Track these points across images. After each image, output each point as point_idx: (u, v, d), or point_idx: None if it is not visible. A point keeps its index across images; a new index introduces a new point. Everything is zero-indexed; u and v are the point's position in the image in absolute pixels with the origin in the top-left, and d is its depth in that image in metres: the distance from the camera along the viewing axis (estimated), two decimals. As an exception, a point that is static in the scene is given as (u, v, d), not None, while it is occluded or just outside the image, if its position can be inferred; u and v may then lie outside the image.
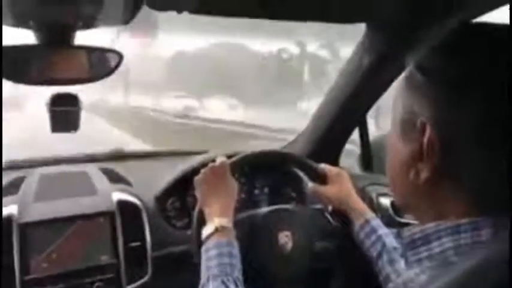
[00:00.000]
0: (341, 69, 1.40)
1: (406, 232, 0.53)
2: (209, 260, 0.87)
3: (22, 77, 0.88)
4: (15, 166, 1.41)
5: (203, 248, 0.90)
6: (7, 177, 1.26)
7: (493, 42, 0.47)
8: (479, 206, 0.47)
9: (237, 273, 0.85)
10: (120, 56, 1.00)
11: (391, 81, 1.32)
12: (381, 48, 1.21)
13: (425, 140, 0.48)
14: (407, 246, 0.52)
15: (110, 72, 1.02)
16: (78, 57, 0.96)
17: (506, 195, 0.44)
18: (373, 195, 1.42)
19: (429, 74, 0.49)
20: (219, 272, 0.84)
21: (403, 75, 0.55)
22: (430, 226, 0.49)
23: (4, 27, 0.84)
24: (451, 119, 0.46)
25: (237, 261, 0.87)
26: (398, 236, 0.55)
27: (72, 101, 1.14)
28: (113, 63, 1.01)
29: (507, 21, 0.55)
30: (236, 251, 0.89)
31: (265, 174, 1.42)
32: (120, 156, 1.69)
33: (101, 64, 1.01)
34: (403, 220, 1.30)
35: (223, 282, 0.82)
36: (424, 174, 0.49)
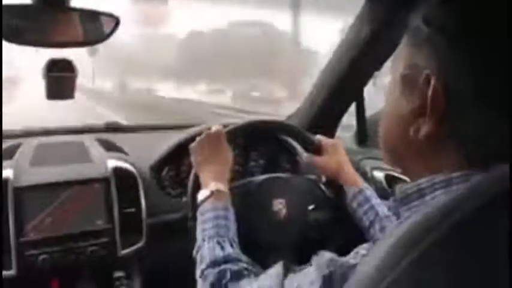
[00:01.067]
0: (339, 41, 1.39)
1: (399, 189, 0.53)
2: (204, 222, 0.87)
3: (16, 37, 0.87)
4: (11, 135, 1.41)
5: (198, 211, 0.90)
6: (3, 144, 1.26)
7: None
8: (475, 160, 0.47)
9: (232, 235, 0.86)
10: (117, 21, 0.99)
11: (389, 54, 1.32)
12: (380, 19, 1.20)
13: (429, 93, 0.47)
14: (401, 201, 0.53)
15: (105, 37, 1.01)
16: (73, 19, 0.94)
17: (504, 152, 0.45)
18: (368, 169, 1.43)
19: (436, 27, 0.48)
20: (214, 233, 0.85)
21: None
22: (425, 180, 0.50)
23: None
24: (456, 73, 0.46)
25: (232, 224, 0.88)
26: (392, 194, 0.55)
27: (68, 66, 1.14)
28: (108, 28, 1.00)
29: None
30: (231, 214, 0.90)
31: (260, 146, 1.43)
32: (115, 128, 1.69)
33: (97, 28, 1.00)
34: (396, 193, 1.31)
35: (218, 242, 0.82)
36: (424, 129, 0.49)
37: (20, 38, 0.87)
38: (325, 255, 0.60)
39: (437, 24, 0.48)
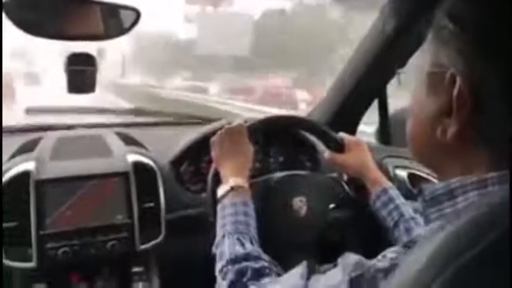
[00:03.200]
0: (363, 37, 1.36)
1: (427, 189, 0.51)
2: (224, 218, 0.86)
3: (37, 29, 0.87)
4: (32, 129, 1.43)
5: (219, 207, 0.89)
6: (24, 138, 1.27)
7: None
8: (507, 160, 0.44)
9: (253, 232, 0.85)
10: (138, 14, 0.99)
11: (414, 50, 1.28)
12: (405, 13, 1.17)
13: (455, 92, 0.46)
14: (429, 203, 0.50)
15: (126, 30, 1.00)
16: (93, 12, 0.94)
17: None
18: (390, 168, 1.39)
19: (461, 23, 0.47)
20: (234, 229, 0.83)
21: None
22: (455, 181, 0.48)
23: None
24: (482, 71, 0.44)
25: (253, 221, 0.87)
26: (419, 193, 0.53)
27: (88, 60, 1.14)
28: (129, 21, 1.00)
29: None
30: (251, 210, 0.88)
31: (280, 142, 1.40)
32: (135, 123, 1.70)
33: (117, 22, 0.99)
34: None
35: (238, 239, 0.81)
36: (451, 130, 0.47)
37: (39, 31, 0.87)
38: (351, 257, 0.58)
39: (462, 21, 0.47)
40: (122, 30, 1.00)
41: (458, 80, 0.45)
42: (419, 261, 0.39)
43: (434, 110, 0.49)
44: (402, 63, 1.36)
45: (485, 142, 0.46)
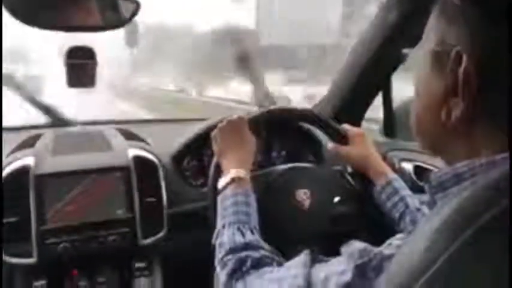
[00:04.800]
0: (365, 28, 1.34)
1: (434, 175, 0.49)
2: (225, 208, 0.85)
3: (34, 19, 0.85)
4: (32, 126, 1.42)
5: (219, 197, 0.88)
6: (25, 135, 1.26)
7: None
8: None
9: (254, 222, 0.83)
10: (137, 5, 0.97)
11: (417, 40, 1.26)
12: (408, 3, 1.15)
13: (461, 71, 0.44)
14: (435, 189, 0.49)
15: (125, 21, 0.99)
16: (92, 3, 0.93)
17: None
18: (395, 161, 1.38)
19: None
20: (234, 219, 0.82)
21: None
22: (462, 165, 0.46)
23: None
24: (489, 48, 0.43)
25: (254, 211, 0.85)
26: (426, 181, 0.51)
27: (88, 53, 1.13)
28: (128, 13, 0.98)
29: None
30: (253, 201, 0.87)
31: (283, 135, 1.39)
32: (136, 120, 1.69)
33: (117, 12, 0.98)
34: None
35: (238, 229, 0.80)
36: (457, 111, 0.46)
37: (36, 21, 0.85)
38: (356, 245, 0.56)
39: None
40: (121, 22, 0.98)
41: (464, 58, 0.44)
42: (424, 236, 0.38)
43: (440, 90, 0.48)
44: (405, 55, 1.34)
45: (492, 122, 0.45)
